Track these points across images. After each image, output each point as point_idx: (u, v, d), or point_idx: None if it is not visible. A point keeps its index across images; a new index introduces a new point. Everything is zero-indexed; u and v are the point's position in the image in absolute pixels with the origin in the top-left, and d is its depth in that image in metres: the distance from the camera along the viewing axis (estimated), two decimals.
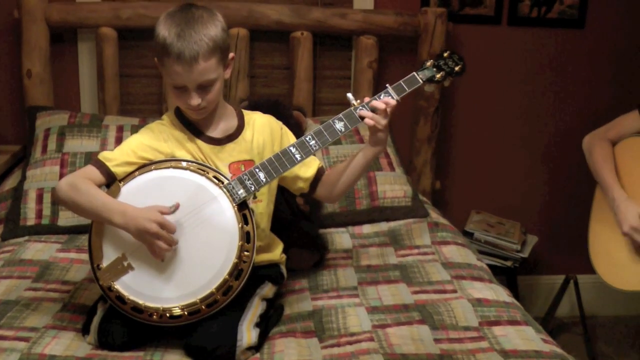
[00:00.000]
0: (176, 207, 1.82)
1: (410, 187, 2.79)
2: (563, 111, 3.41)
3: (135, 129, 2.72)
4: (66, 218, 2.52)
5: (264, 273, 2.01)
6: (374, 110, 1.94)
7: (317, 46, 3.09)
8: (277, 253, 2.09)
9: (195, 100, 1.87)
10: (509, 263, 3.11)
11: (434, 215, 2.74)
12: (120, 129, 2.74)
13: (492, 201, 3.44)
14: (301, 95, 3.05)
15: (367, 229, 2.65)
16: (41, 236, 2.48)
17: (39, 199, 2.54)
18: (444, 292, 2.14)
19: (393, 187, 2.74)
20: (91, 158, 2.58)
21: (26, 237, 2.47)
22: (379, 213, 2.69)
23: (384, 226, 2.66)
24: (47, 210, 2.53)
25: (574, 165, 3.46)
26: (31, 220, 2.51)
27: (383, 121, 1.93)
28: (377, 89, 3.07)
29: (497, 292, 2.14)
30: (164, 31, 1.83)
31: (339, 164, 2.11)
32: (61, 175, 2.56)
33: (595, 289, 3.57)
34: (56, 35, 2.95)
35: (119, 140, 2.68)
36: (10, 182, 2.73)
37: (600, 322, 3.58)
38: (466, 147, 3.40)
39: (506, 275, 3.17)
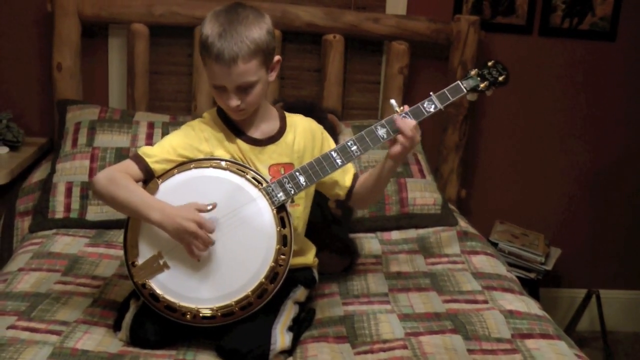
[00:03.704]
0: (213, 206, 1.80)
1: (440, 195, 2.78)
2: (592, 124, 3.38)
3: (165, 127, 2.72)
4: (94, 213, 2.52)
5: (296, 276, 1.99)
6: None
7: (347, 50, 3.08)
8: (310, 257, 2.08)
9: (234, 102, 1.85)
10: (532, 275, 3.09)
11: (463, 224, 2.72)
12: (151, 126, 2.73)
13: (516, 212, 3.42)
14: (331, 98, 3.03)
15: (395, 235, 2.63)
16: (69, 230, 2.47)
17: (68, 192, 2.53)
18: (475, 302, 2.12)
19: (423, 194, 2.73)
20: (121, 153, 2.59)
21: (54, 230, 2.46)
22: (408, 220, 2.68)
23: (412, 233, 2.64)
24: (75, 204, 2.52)
25: (601, 179, 3.44)
26: (59, 214, 2.51)
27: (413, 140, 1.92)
28: (407, 95, 3.06)
29: (529, 305, 2.12)
30: (208, 29, 1.81)
31: (368, 172, 2.08)
32: (91, 170, 2.56)
33: (617, 304, 3.55)
34: (88, 29, 2.94)
35: (149, 137, 2.67)
36: (38, 175, 2.72)
37: (619, 338, 3.55)
38: (493, 157, 3.37)
39: (528, 287, 3.14)
